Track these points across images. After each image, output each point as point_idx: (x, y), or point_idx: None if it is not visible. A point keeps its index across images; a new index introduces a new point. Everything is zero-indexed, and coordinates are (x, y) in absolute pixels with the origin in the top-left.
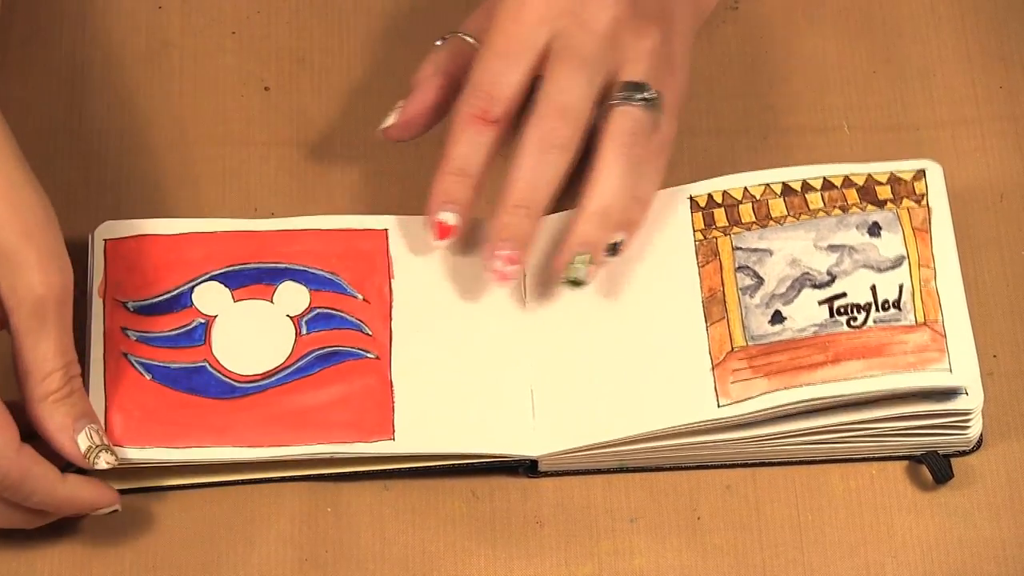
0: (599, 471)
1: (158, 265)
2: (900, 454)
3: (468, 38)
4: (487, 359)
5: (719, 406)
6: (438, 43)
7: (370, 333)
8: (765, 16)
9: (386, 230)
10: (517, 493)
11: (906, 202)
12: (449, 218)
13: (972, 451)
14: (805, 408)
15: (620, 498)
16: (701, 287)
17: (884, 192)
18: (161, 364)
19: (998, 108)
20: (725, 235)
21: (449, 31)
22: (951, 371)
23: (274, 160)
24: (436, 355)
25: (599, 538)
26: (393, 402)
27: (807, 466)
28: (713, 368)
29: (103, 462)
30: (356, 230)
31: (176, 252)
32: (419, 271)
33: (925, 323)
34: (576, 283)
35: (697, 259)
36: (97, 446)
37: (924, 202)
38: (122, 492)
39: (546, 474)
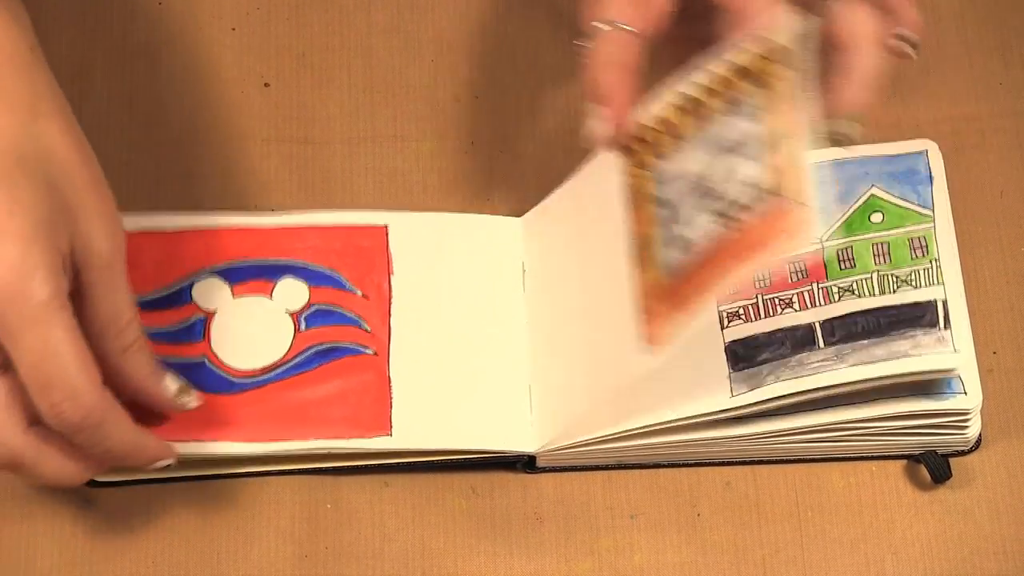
0: (598, 467)
1: (157, 260)
2: (899, 453)
3: (624, 26)
4: (485, 355)
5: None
6: (586, 40)
7: (369, 329)
8: None
9: (386, 226)
10: (517, 489)
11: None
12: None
13: (971, 451)
14: (804, 400)
15: (620, 494)
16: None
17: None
18: (160, 359)
19: (998, 105)
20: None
21: (595, 21)
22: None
23: (274, 157)
24: (434, 351)
25: (599, 534)
26: (391, 398)
27: (807, 464)
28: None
29: (193, 400)
30: (356, 226)
31: (175, 247)
32: (419, 267)
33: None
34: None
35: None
36: (182, 388)
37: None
38: (121, 485)
39: (544, 470)
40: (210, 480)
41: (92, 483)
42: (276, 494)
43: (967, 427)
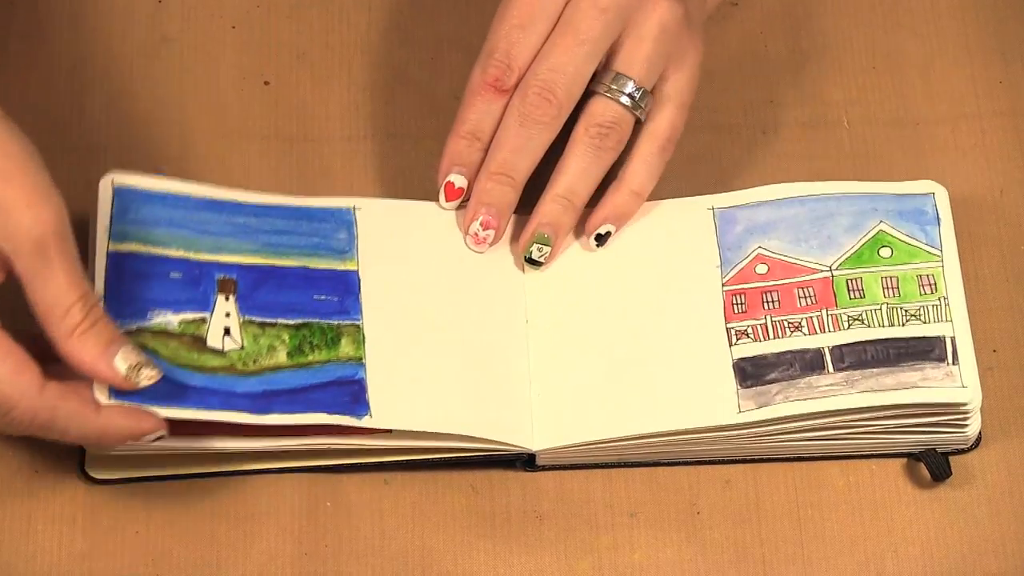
0: (598, 466)
1: None
2: (899, 451)
3: None
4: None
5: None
6: None
7: None
8: (765, 11)
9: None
10: (517, 487)
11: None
12: (458, 180)
13: (971, 449)
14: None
15: (620, 492)
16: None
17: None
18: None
19: (998, 103)
20: None
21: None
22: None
23: (274, 155)
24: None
25: (599, 532)
26: None
27: (806, 462)
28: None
29: (145, 378)
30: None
31: None
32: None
33: None
34: (533, 262)
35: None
36: (136, 364)
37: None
38: (121, 483)
39: (544, 468)
40: (210, 478)
41: (92, 481)
42: (276, 492)
43: (967, 425)
